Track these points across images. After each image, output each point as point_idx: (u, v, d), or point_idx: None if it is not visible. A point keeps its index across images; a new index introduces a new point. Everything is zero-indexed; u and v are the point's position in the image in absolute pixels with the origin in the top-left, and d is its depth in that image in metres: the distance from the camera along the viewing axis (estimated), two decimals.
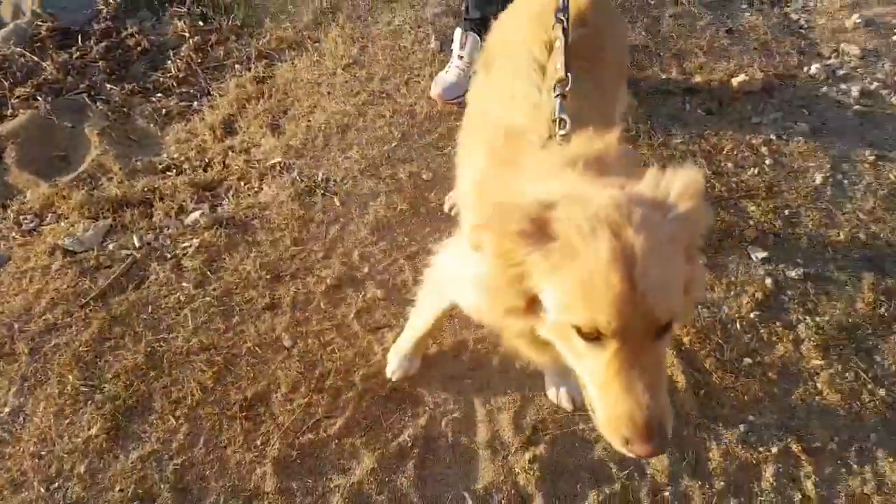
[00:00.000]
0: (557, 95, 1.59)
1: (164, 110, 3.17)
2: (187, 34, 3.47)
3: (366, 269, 2.61)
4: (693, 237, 1.27)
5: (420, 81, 3.35)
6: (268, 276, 2.57)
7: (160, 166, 2.94)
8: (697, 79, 3.58)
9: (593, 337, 1.19)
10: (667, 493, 2.13)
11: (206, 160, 2.96)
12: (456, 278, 1.76)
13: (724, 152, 3.18)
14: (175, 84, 3.27)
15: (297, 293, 2.52)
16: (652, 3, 3.98)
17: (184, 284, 2.53)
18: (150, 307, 2.46)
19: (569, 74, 1.62)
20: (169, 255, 2.62)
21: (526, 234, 1.20)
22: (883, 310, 2.65)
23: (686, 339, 2.46)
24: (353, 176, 2.91)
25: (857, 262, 2.81)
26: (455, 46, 3.25)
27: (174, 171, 2.92)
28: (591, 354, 1.22)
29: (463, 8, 3.33)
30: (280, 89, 3.26)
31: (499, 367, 2.36)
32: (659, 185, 1.26)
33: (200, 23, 3.56)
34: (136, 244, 2.64)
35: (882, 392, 2.43)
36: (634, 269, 1.13)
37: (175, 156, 2.98)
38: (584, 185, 1.29)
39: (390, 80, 3.35)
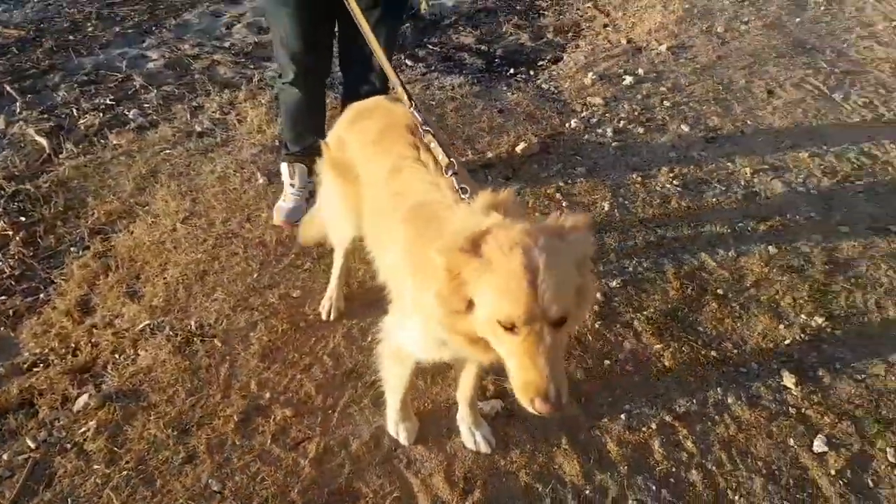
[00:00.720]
0: (451, 174, 2.06)
1: (10, 311, 3.10)
2: (10, 232, 3.43)
3: (267, 395, 2.74)
4: (583, 257, 1.72)
5: (261, 215, 3.59)
6: (175, 433, 2.61)
7: (25, 365, 2.87)
8: (489, 155, 4.15)
9: (510, 327, 1.60)
10: (588, 492, 2.45)
11: (72, 345, 2.95)
12: (408, 341, 2.14)
13: (530, 206, 3.73)
14: (13, 283, 3.21)
15: (209, 438, 2.59)
16: (434, 102, 4.57)
17: (95, 467, 2.51)
18: (69, 500, 2.41)
19: (453, 159, 2.12)
20: (70, 445, 2.58)
21: (464, 251, 1.63)
22: (690, 290, 3.25)
23: None
24: (226, 314, 3.06)
25: (658, 259, 3.42)
26: (285, 179, 3.55)
27: (42, 365, 2.87)
28: (508, 340, 1.63)
29: (280, 145, 3.67)
30: (125, 258, 3.34)
31: (418, 438, 2.59)
32: (557, 221, 1.73)
33: (21, 218, 3.54)
34: (32, 446, 2.57)
35: (713, 353, 2.98)
36: (537, 277, 1.56)
37: (37, 351, 2.93)
38: (504, 220, 1.73)
39: (231, 220, 3.56)
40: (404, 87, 2.44)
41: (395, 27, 3.28)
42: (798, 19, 5.94)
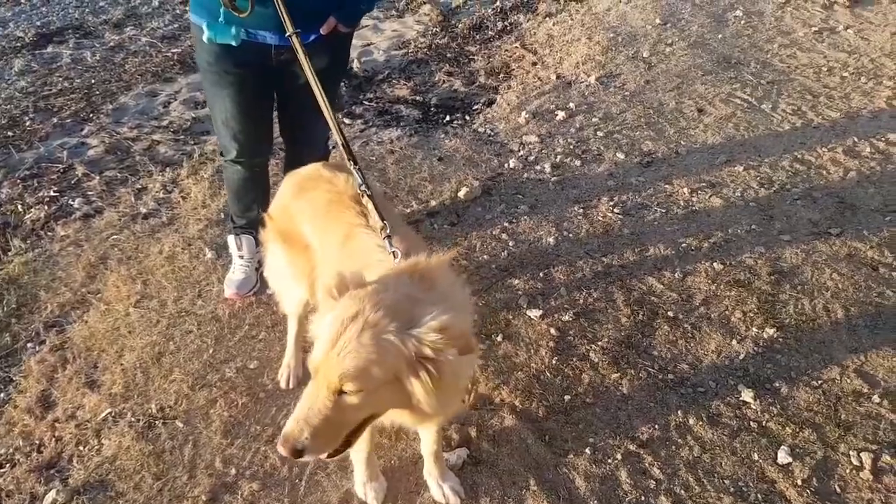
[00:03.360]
0: (385, 238, 2.12)
1: None
2: None
3: (233, 471, 2.73)
4: (420, 355, 1.65)
5: (211, 289, 3.60)
6: None
7: None
8: (433, 203, 4.21)
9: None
10: None
11: (36, 442, 2.91)
12: None
13: (477, 249, 3.80)
14: None
15: None
16: (374, 158, 4.65)
17: None
18: None
19: (386, 223, 2.17)
20: None
21: (328, 290, 1.78)
22: (641, 315, 3.31)
23: (517, 402, 2.90)
24: (185, 394, 3.05)
25: (607, 288, 3.48)
26: (233, 251, 3.57)
27: (8, 465, 2.83)
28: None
29: (225, 217, 3.69)
30: (81, 348, 3.32)
31: (387, 496, 2.60)
32: (423, 315, 1.69)
33: None
34: None
35: (670, 375, 3.01)
36: (338, 341, 1.63)
37: (2, 451, 2.89)
38: (396, 282, 1.82)
39: (183, 298, 3.56)
40: (348, 148, 2.52)
41: (334, 90, 3.33)
42: (720, 35, 6.16)
